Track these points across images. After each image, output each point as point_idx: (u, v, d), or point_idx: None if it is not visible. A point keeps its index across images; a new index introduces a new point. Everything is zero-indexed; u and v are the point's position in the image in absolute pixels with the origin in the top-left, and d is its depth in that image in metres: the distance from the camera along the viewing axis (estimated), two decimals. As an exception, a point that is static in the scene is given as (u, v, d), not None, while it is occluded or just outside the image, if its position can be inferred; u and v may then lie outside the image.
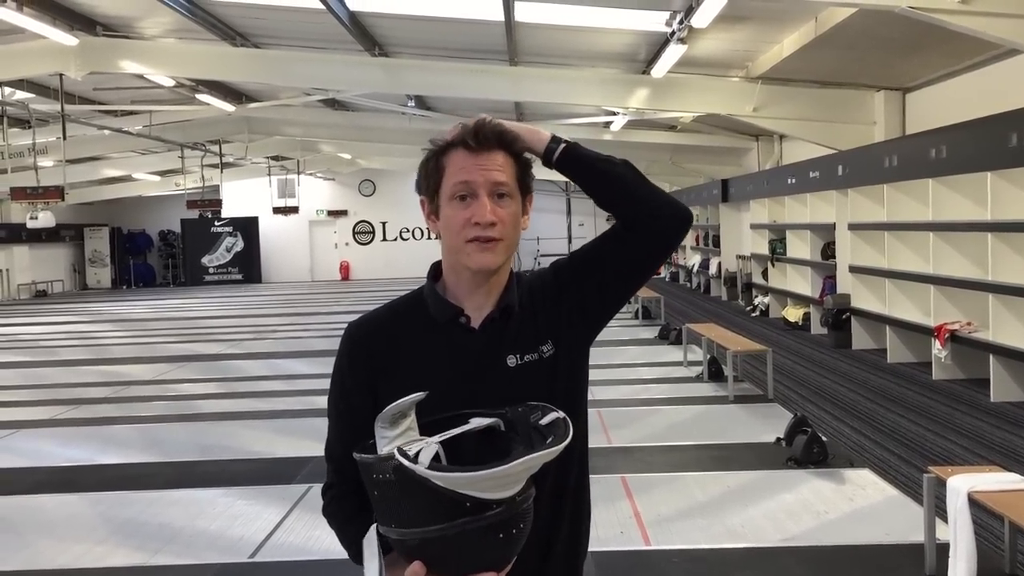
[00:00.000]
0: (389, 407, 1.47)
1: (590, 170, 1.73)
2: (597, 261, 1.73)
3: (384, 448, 1.43)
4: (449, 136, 1.65)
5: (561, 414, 1.48)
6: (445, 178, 1.63)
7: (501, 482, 1.34)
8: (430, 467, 1.34)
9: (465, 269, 1.64)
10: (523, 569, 1.50)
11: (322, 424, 1.73)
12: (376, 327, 1.71)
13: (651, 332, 13.21)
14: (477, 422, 1.50)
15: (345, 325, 1.75)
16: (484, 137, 1.62)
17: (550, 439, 1.41)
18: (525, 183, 1.68)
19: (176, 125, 18.12)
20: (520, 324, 1.67)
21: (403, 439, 1.45)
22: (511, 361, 1.64)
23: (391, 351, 1.66)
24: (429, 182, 1.67)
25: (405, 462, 1.34)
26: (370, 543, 1.49)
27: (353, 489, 1.61)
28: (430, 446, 1.39)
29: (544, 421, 1.47)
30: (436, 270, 1.73)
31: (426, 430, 1.47)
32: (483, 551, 1.40)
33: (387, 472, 1.38)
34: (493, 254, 1.61)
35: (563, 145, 1.72)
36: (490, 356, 1.64)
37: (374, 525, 1.48)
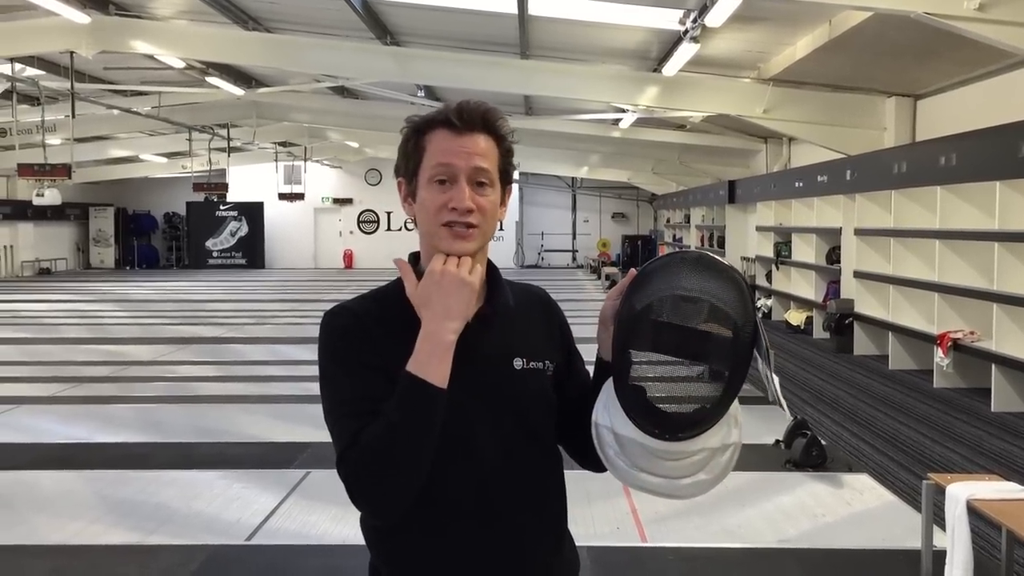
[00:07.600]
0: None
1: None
2: (570, 376, 1.71)
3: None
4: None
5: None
6: (425, 159, 1.56)
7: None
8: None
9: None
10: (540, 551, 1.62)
11: (320, 411, 1.58)
12: (364, 312, 1.60)
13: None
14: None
15: None
16: (469, 117, 1.56)
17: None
18: (507, 172, 1.62)
19: (185, 107, 18.10)
20: (516, 329, 1.63)
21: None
22: (518, 364, 1.60)
23: (389, 336, 1.55)
24: (408, 162, 1.60)
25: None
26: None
27: None
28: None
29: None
30: (416, 259, 1.65)
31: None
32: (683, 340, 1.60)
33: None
34: (467, 242, 1.55)
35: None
36: (497, 355, 1.59)
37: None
